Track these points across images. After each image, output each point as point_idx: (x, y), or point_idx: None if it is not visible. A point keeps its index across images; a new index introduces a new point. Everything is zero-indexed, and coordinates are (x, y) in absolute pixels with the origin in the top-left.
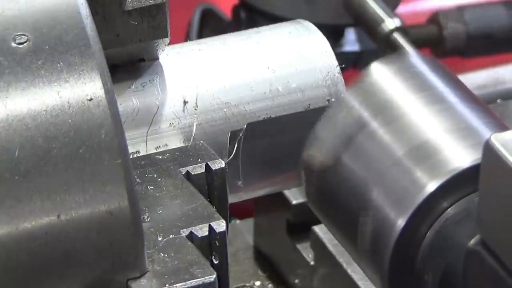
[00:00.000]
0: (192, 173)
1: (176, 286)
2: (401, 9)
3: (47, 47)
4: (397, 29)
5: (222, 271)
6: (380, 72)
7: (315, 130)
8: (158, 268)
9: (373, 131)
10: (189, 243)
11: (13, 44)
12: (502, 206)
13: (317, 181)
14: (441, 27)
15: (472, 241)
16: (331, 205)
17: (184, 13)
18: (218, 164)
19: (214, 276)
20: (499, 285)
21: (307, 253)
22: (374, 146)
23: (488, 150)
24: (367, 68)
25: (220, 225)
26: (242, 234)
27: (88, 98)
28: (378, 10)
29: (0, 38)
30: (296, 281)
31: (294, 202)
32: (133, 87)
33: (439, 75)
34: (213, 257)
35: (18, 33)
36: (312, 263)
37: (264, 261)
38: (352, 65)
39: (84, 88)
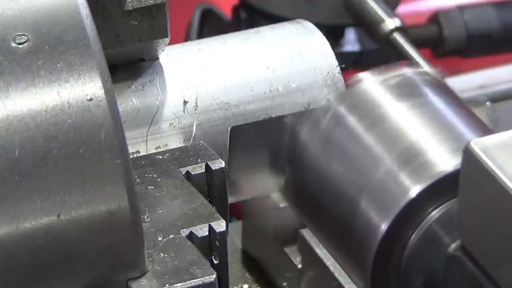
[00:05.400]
0: (192, 173)
1: (176, 286)
2: (401, 9)
3: (47, 47)
4: (397, 29)
5: (222, 271)
6: (365, 78)
7: (300, 133)
8: (158, 268)
9: (358, 134)
10: (189, 243)
11: (13, 44)
12: (481, 212)
13: (301, 183)
14: (441, 27)
15: (453, 246)
16: (315, 208)
17: (184, 13)
18: (218, 164)
19: (214, 276)
20: None
21: (295, 256)
22: (359, 149)
23: (467, 155)
24: (352, 77)
25: (220, 225)
26: (230, 237)
27: (88, 98)
28: (378, 10)
29: (0, 38)
30: (284, 284)
31: (281, 205)
32: (133, 87)
33: (424, 79)
34: (213, 257)
35: (18, 33)
36: (299, 266)
37: (252, 264)
38: (352, 65)
39: (84, 88)
